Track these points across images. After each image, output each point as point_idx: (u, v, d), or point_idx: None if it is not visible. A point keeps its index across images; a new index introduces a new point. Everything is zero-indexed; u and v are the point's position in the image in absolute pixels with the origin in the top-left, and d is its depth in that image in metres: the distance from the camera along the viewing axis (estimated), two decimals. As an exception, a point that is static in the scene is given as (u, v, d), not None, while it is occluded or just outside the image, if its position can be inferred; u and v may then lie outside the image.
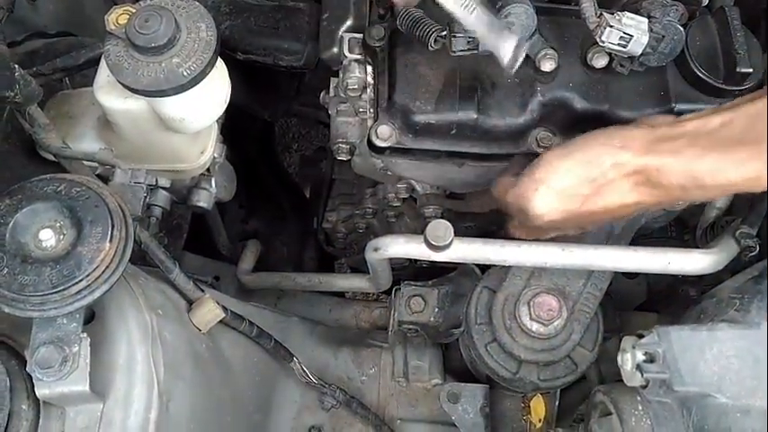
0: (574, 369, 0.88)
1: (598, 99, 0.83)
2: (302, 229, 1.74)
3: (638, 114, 0.83)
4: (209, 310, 0.80)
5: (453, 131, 0.83)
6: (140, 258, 0.79)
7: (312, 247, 1.73)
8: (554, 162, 0.72)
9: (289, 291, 1.25)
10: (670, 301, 1.12)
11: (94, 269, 0.58)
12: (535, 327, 0.86)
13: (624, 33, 0.75)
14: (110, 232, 0.60)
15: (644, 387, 0.64)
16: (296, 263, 1.64)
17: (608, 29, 0.74)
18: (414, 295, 1.09)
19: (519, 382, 0.89)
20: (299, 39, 1.02)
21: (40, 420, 0.62)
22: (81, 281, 0.58)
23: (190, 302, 0.80)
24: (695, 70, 0.83)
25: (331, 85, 0.99)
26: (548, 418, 0.96)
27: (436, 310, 1.09)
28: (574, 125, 0.85)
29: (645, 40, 0.76)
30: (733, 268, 0.83)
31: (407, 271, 1.29)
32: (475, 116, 0.82)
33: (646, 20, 0.76)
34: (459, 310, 1.03)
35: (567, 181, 0.71)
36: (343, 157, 1.03)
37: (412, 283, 1.11)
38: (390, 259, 0.95)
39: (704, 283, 0.99)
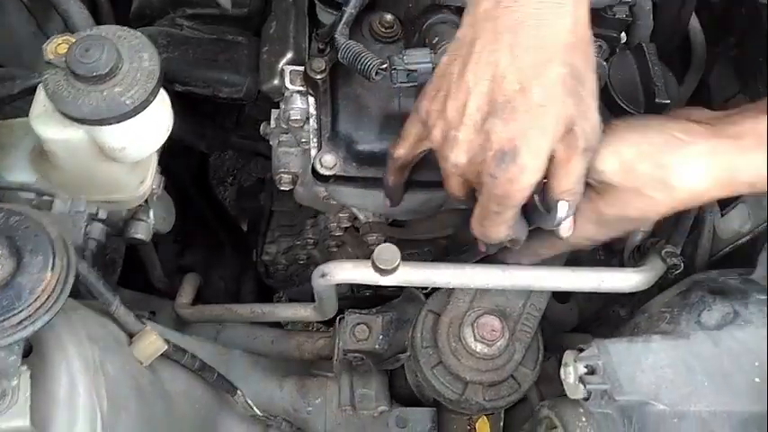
0: (517, 388, 0.90)
1: None
2: (240, 262, 1.72)
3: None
4: (151, 343, 0.78)
5: (396, 159, 0.85)
6: (75, 292, 0.77)
7: (250, 280, 1.71)
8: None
9: (228, 324, 1.23)
10: (601, 322, 1.17)
11: (36, 299, 0.56)
12: (479, 347, 0.87)
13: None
14: (51, 261, 0.58)
15: (586, 399, 0.66)
16: (234, 297, 1.62)
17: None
18: (358, 323, 1.10)
19: (465, 404, 0.90)
20: (238, 71, 1.03)
21: (-26, 462, 0.59)
22: (22, 311, 0.56)
23: (130, 335, 0.78)
24: (618, 101, 0.89)
25: (272, 117, 1.00)
26: (496, 444, 0.97)
27: (381, 337, 1.09)
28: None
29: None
30: (660, 286, 0.89)
31: (349, 301, 1.29)
32: (417, 144, 0.84)
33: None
34: (403, 336, 1.04)
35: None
36: (285, 188, 1.04)
37: (356, 311, 1.12)
38: (336, 287, 0.95)
39: (633, 304, 1.04)
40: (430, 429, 0.93)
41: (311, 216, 1.42)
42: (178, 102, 0.96)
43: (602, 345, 0.67)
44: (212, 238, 1.72)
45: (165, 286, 1.33)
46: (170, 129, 0.76)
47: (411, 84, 0.77)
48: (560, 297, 1.13)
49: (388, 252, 0.77)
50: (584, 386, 0.64)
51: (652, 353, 0.66)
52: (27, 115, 0.76)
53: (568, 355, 0.68)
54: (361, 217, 1.08)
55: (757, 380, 0.63)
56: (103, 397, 0.66)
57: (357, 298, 1.29)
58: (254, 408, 0.97)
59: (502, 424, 0.98)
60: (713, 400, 0.63)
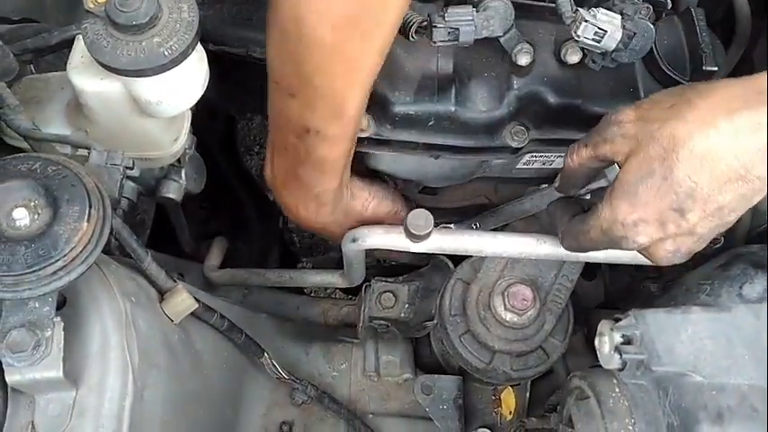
0: (545, 359, 0.89)
1: (571, 94, 0.85)
2: (265, 231, 1.72)
3: (609, 109, 0.85)
4: (182, 300, 0.78)
5: (431, 123, 0.83)
6: (106, 249, 0.77)
7: (275, 248, 1.72)
8: None
9: (255, 289, 1.23)
10: (632, 298, 1.15)
11: (72, 249, 0.56)
12: (509, 316, 0.87)
13: (599, 29, 0.77)
14: (87, 211, 0.58)
15: (621, 369, 0.65)
16: (258, 264, 1.61)
17: (583, 24, 0.76)
18: (384, 291, 1.09)
19: (492, 373, 0.90)
20: (272, 31, 1.01)
21: (8, 411, 0.60)
22: (57, 261, 0.56)
23: (161, 293, 0.79)
24: (663, 68, 0.86)
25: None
26: (518, 410, 0.97)
27: (407, 305, 1.09)
28: (547, 119, 0.86)
29: (618, 35, 0.78)
30: (694, 260, 0.86)
31: (375, 270, 1.29)
32: (453, 108, 0.82)
33: (619, 16, 0.78)
34: (429, 305, 1.04)
35: None
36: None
37: (382, 279, 1.11)
38: (366, 252, 0.95)
39: (665, 280, 1.02)
40: (455, 397, 0.93)
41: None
42: (210, 62, 0.96)
43: (639, 315, 0.65)
44: (238, 205, 1.72)
45: (192, 250, 1.34)
46: (206, 85, 0.75)
47: (452, 42, 0.75)
48: (587, 274, 1.11)
49: (421, 218, 0.76)
50: (620, 356, 0.63)
51: (691, 324, 0.64)
52: (63, 70, 0.76)
53: (604, 325, 0.67)
54: (391, 184, 1.07)
55: (801, 354, 0.62)
56: (135, 351, 0.66)
57: (384, 267, 1.28)
58: (281, 370, 0.97)
59: (528, 395, 0.98)
60: (754, 373, 0.61)
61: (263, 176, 0.96)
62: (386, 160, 0.91)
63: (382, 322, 1.08)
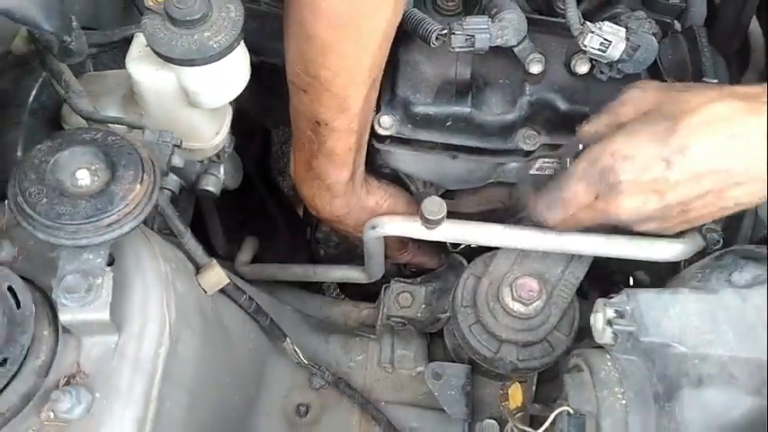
0: (550, 351, 0.94)
1: (580, 102, 0.92)
2: (293, 242, 1.80)
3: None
4: (216, 274, 0.85)
5: (449, 124, 0.91)
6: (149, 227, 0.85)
7: (302, 260, 1.79)
8: None
9: (280, 288, 1.31)
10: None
11: (125, 206, 0.64)
12: (516, 306, 0.92)
13: (604, 39, 0.84)
14: (140, 176, 0.66)
15: (613, 343, 0.70)
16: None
17: (590, 34, 0.84)
18: (402, 291, 1.16)
19: (499, 362, 0.95)
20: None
21: (58, 348, 0.67)
22: (113, 215, 0.64)
23: (197, 267, 0.86)
24: (666, 80, 0.93)
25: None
26: (525, 405, 1.01)
27: (423, 305, 1.15)
28: (557, 126, 0.93)
29: (622, 46, 0.85)
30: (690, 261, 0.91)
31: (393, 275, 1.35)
32: (469, 110, 0.90)
33: (624, 30, 0.86)
34: (444, 304, 1.09)
35: None
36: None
37: (401, 280, 1.18)
38: (385, 246, 1.02)
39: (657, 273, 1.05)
40: (464, 384, 0.98)
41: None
42: (251, 74, 1.05)
43: (631, 293, 0.71)
44: (269, 219, 1.81)
45: (225, 253, 1.42)
46: (246, 80, 0.84)
47: (468, 49, 0.83)
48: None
49: (435, 204, 0.83)
50: (612, 327, 0.68)
51: (679, 303, 0.70)
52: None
53: (599, 302, 0.72)
54: (412, 188, 1.14)
55: (781, 334, 0.66)
56: (173, 308, 0.73)
57: (402, 274, 1.34)
58: (301, 355, 1.04)
59: (534, 389, 1.02)
60: (735, 346, 0.66)
61: (293, 193, 1.06)
62: (407, 160, 0.98)
63: (399, 320, 1.14)
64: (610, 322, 0.69)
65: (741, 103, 0.69)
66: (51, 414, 0.65)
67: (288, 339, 1.03)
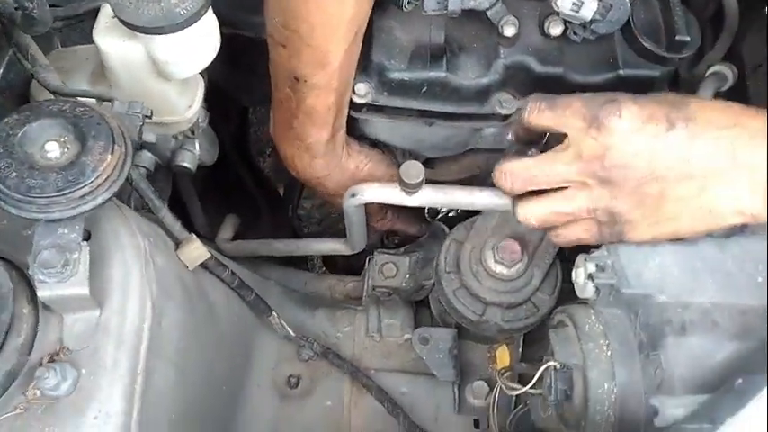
0: (535, 312, 0.95)
1: (554, 63, 0.92)
2: (275, 223, 1.79)
3: (590, 79, 0.92)
4: (196, 248, 0.85)
5: (424, 90, 0.90)
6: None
7: (285, 237, 1.78)
8: None
9: (264, 266, 1.30)
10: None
11: (97, 177, 0.63)
12: (499, 269, 0.92)
13: (575, 0, 0.84)
14: (111, 146, 0.65)
15: (595, 298, 0.71)
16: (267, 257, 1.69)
17: (562, -6, 0.84)
18: (386, 262, 1.15)
19: (485, 325, 0.95)
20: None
21: (40, 325, 0.66)
22: (85, 186, 0.63)
23: (176, 243, 0.85)
24: (640, 40, 0.92)
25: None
26: (512, 365, 1.02)
27: (407, 275, 1.15)
28: (532, 88, 0.93)
29: (594, 6, 0.85)
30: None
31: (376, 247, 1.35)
32: (444, 75, 0.90)
33: (595, -11, 0.85)
34: (428, 273, 1.10)
35: None
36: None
37: (385, 251, 1.18)
38: (366, 216, 1.01)
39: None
40: (451, 348, 0.98)
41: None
42: (222, 51, 1.04)
43: (611, 248, 0.71)
44: (250, 199, 1.80)
45: (206, 234, 1.41)
46: (216, 50, 0.83)
47: (441, 12, 0.82)
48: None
49: (414, 168, 0.82)
50: (593, 281, 0.69)
51: (659, 255, 0.70)
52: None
53: (579, 258, 0.72)
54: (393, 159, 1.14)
55: (759, 279, 0.67)
56: (153, 282, 0.73)
57: (387, 246, 1.34)
58: (288, 328, 1.04)
59: (520, 351, 1.03)
60: (716, 294, 0.66)
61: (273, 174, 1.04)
62: (383, 128, 0.97)
63: (384, 290, 1.14)
64: (591, 276, 0.70)
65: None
66: (38, 392, 0.64)
67: (274, 313, 1.02)
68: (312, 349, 1.04)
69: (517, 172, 0.75)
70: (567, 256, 1.02)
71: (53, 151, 0.64)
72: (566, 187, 0.73)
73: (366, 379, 1.01)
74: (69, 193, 0.62)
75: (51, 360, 0.65)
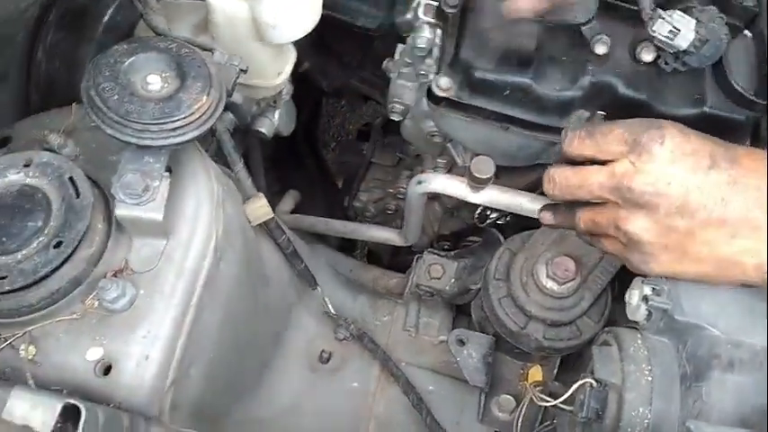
0: (578, 335, 0.94)
1: (640, 89, 0.92)
2: (330, 211, 1.83)
3: (673, 111, 0.92)
4: (262, 206, 0.88)
5: (506, 93, 0.92)
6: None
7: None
8: None
9: (315, 247, 1.33)
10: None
11: (191, 113, 0.67)
12: (549, 284, 0.92)
13: (673, 27, 0.84)
14: (208, 88, 0.69)
15: (647, 319, 0.70)
16: (321, 238, 1.73)
17: (660, 20, 0.84)
18: (434, 263, 1.16)
19: (524, 338, 0.95)
20: (377, 5, 1.13)
21: (110, 242, 0.70)
22: (178, 120, 0.66)
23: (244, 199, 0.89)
24: (731, 80, 0.92)
25: (397, 51, 1.09)
26: (545, 381, 1.01)
27: (453, 279, 1.16)
28: (614, 111, 0.93)
29: (690, 36, 0.85)
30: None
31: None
32: (529, 82, 0.90)
33: (694, 21, 0.85)
34: (475, 280, 1.10)
35: None
36: (395, 117, 1.12)
37: (435, 251, 1.19)
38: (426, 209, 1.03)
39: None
40: (486, 354, 0.98)
41: (408, 168, 1.51)
42: (314, 31, 1.08)
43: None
44: (309, 182, 1.84)
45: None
46: (316, 21, 0.86)
47: (537, 19, 0.83)
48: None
49: (485, 164, 0.84)
50: (647, 302, 0.69)
51: (718, 290, 0.69)
52: None
53: (636, 280, 0.72)
54: (459, 161, 1.15)
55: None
56: (220, 225, 0.76)
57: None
58: (329, 305, 1.06)
59: (554, 372, 1.02)
60: (770, 338, 0.65)
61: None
62: (458, 125, 0.99)
63: (428, 290, 1.15)
64: (646, 298, 0.69)
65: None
66: (96, 303, 0.68)
67: (318, 287, 1.05)
68: (348, 330, 1.06)
69: (558, 179, 0.74)
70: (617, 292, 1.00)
71: (154, 84, 0.68)
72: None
73: (396, 369, 1.02)
74: (163, 123, 0.66)
75: (114, 275, 0.69)
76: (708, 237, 0.66)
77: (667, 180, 0.65)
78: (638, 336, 0.72)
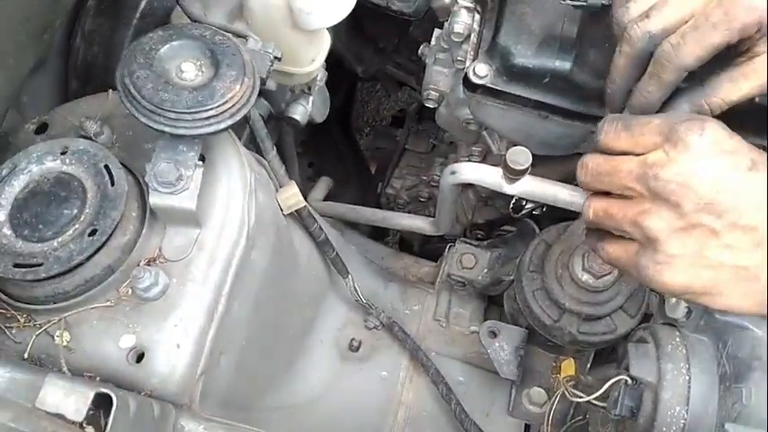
0: (613, 329, 0.92)
1: (687, 78, 0.88)
2: (362, 197, 1.82)
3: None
4: (294, 194, 0.87)
5: (546, 80, 0.89)
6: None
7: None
8: None
9: (347, 234, 1.33)
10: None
11: (225, 102, 0.66)
12: (585, 277, 0.90)
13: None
14: (242, 77, 0.68)
15: (685, 319, 0.68)
16: (352, 225, 1.73)
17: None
18: (466, 253, 1.15)
19: (558, 332, 0.93)
20: (414, -12, 1.11)
21: (144, 230, 0.70)
22: (212, 109, 0.66)
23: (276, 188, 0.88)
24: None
25: (434, 36, 1.07)
26: (577, 375, 1.00)
27: (485, 270, 1.15)
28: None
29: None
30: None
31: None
32: (569, 69, 0.88)
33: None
34: (507, 271, 1.09)
35: None
36: (430, 105, 1.11)
37: (467, 241, 1.17)
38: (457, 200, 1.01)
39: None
40: (517, 347, 0.97)
41: (442, 156, 1.50)
42: (350, 15, 1.07)
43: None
44: (342, 168, 1.84)
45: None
46: (351, 6, 0.85)
47: (580, 3, 0.81)
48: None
49: (522, 155, 0.81)
50: (687, 301, 0.66)
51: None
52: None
53: (677, 276, 0.70)
54: (494, 149, 1.13)
55: None
56: (252, 214, 0.76)
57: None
58: (360, 294, 1.05)
59: (588, 367, 1.01)
60: (817, 342, 0.63)
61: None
62: (495, 114, 0.97)
63: (459, 280, 1.14)
64: (686, 296, 0.67)
65: None
66: (130, 291, 0.68)
67: (350, 276, 1.04)
68: (379, 319, 1.05)
69: (590, 165, 0.70)
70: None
71: (188, 72, 0.68)
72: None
73: (426, 359, 1.01)
74: (197, 112, 0.65)
75: (148, 264, 0.69)
76: (731, 241, 0.60)
77: (699, 174, 0.60)
78: (677, 333, 0.70)
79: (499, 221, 1.29)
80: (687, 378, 0.66)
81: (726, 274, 0.60)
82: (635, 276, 0.64)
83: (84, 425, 0.56)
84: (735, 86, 0.68)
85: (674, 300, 0.69)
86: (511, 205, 1.19)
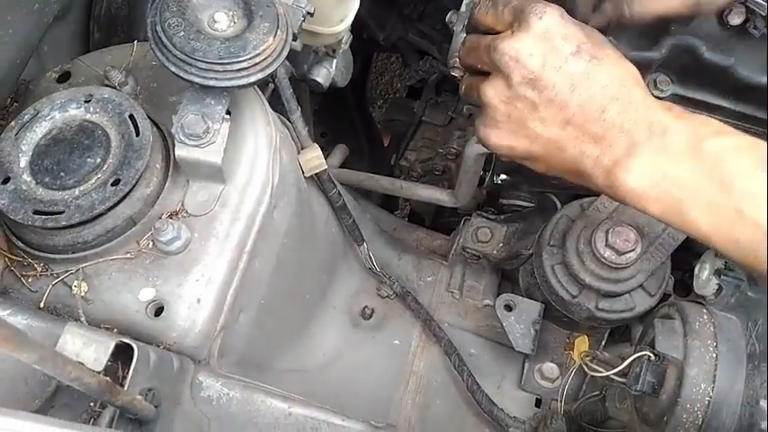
0: (632, 308, 0.91)
1: (725, 53, 0.86)
2: (374, 168, 1.81)
3: (758, 78, 0.87)
4: (316, 157, 0.86)
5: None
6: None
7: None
8: None
9: (361, 204, 1.31)
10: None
11: (257, 55, 0.64)
12: (608, 253, 0.89)
13: (771, -12, 0.78)
14: (275, 30, 0.66)
15: (714, 297, 0.67)
16: (364, 195, 1.72)
17: (756, -20, 0.78)
18: (482, 226, 1.14)
19: (576, 307, 0.92)
20: (442, -46, 1.08)
21: (167, 183, 0.69)
22: (243, 61, 0.64)
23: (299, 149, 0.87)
24: (823, 50, 0.86)
25: (464, 2, 1.05)
26: (592, 351, 0.99)
27: (501, 244, 1.13)
28: (694, 76, 0.88)
29: (786, -1, 0.79)
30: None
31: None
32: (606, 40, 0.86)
33: (792, -17, 0.79)
34: (525, 244, 1.07)
35: None
36: (456, 74, 1.08)
37: (484, 214, 1.16)
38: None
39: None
40: (534, 321, 0.96)
41: (459, 129, 1.48)
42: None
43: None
44: (356, 140, 1.82)
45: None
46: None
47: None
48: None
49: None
50: (720, 276, 0.65)
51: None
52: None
53: (708, 253, 0.69)
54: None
55: None
56: (276, 173, 0.75)
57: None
58: (374, 262, 1.04)
59: (602, 344, 1.00)
60: None
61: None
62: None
63: (474, 253, 1.13)
64: (718, 272, 0.66)
65: None
66: (151, 243, 0.67)
67: (365, 244, 1.03)
68: (392, 288, 1.05)
69: (467, 42, 0.76)
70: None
71: (221, 22, 0.66)
72: None
73: (439, 329, 1.01)
74: (228, 63, 0.64)
75: (170, 217, 0.68)
76: (546, 115, 0.67)
77: (530, 51, 0.67)
78: (704, 310, 0.69)
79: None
80: (714, 356, 0.65)
81: (539, 144, 0.69)
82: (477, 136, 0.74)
83: (102, 375, 0.55)
84: None
85: (704, 276, 0.68)
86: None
